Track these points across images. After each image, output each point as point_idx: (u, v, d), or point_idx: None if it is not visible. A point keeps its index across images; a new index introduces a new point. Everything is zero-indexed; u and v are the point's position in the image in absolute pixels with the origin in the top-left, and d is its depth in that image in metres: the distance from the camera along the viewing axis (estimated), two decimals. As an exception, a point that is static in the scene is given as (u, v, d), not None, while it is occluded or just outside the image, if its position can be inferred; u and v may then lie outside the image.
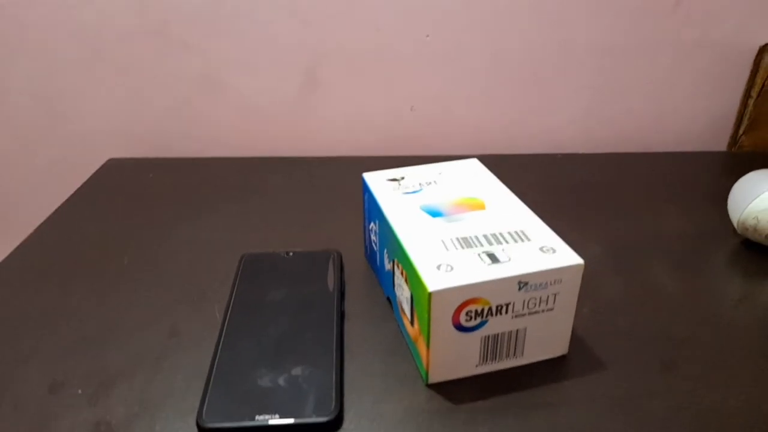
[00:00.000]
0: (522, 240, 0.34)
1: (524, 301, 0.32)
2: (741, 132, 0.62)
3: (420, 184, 0.40)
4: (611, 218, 0.50)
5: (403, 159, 0.61)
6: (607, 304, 0.40)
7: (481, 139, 0.65)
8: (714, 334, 0.37)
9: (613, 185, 0.55)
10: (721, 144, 0.66)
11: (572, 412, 0.32)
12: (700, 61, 0.61)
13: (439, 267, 0.31)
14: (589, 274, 0.43)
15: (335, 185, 0.56)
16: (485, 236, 0.34)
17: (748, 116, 0.62)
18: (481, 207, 0.37)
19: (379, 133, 0.65)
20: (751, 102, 0.61)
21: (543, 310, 0.33)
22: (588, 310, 0.39)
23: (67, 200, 0.54)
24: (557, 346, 0.35)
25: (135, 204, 0.54)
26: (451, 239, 0.34)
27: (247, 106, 0.64)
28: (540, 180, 0.57)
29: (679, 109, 0.64)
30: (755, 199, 0.43)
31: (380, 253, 0.40)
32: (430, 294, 0.30)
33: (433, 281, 0.30)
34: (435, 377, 0.33)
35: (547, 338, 0.34)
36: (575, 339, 0.37)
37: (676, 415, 0.31)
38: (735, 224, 0.45)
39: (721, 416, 0.31)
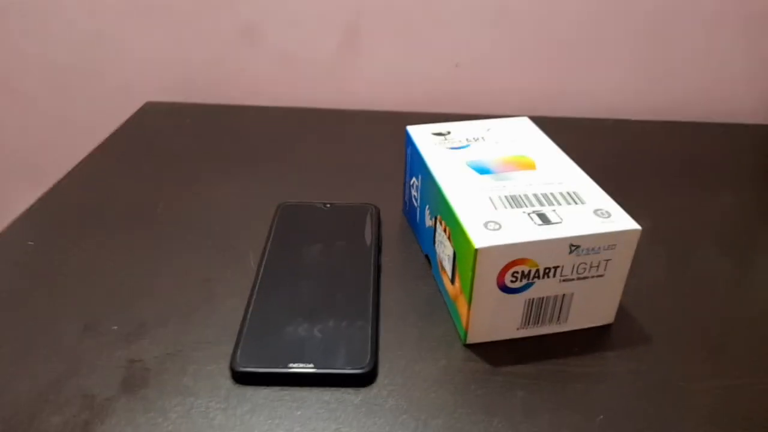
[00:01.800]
0: (575, 202, 0.32)
1: (574, 266, 0.30)
2: (807, 106, 0.59)
3: (467, 140, 0.38)
4: (660, 191, 0.47)
5: (447, 116, 0.58)
6: (655, 279, 0.38)
7: (528, 99, 0.63)
8: (761, 319, 0.35)
9: (662, 156, 0.53)
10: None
11: (613, 386, 0.30)
12: (762, 32, 0.57)
13: (486, 224, 0.30)
14: (637, 247, 0.40)
15: (375, 139, 0.55)
16: (536, 196, 0.32)
17: (816, 90, 0.58)
18: (532, 166, 0.35)
19: (422, 89, 0.63)
20: (820, 74, 0.57)
21: (593, 276, 0.31)
22: (636, 282, 0.37)
23: (102, 143, 0.54)
24: (603, 315, 0.33)
25: (170, 150, 0.53)
26: (499, 197, 0.32)
27: (288, 58, 0.62)
28: (587, 145, 0.54)
29: (736, 80, 0.60)
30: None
31: (421, 209, 0.38)
32: (476, 251, 0.28)
33: (480, 238, 0.29)
34: (474, 338, 0.32)
35: (593, 306, 0.32)
36: (621, 310, 0.35)
37: (722, 400, 0.30)
38: (798, 201, 0.42)
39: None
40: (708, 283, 0.37)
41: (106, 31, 0.62)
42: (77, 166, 0.50)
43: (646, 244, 0.41)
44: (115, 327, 0.33)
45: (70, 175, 0.48)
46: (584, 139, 0.55)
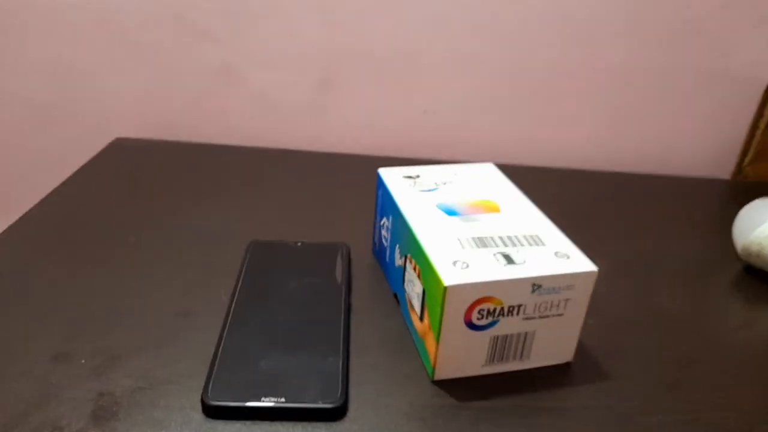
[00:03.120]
0: (537, 244, 0.34)
1: (536, 304, 0.32)
2: (746, 162, 0.63)
3: (436, 183, 0.40)
4: (618, 236, 0.50)
5: (417, 161, 0.61)
6: (612, 318, 0.40)
7: (495, 148, 0.66)
8: (715, 357, 0.37)
9: (621, 204, 0.56)
10: (725, 172, 0.66)
11: (574, 421, 0.32)
12: (715, 89, 0.62)
13: (455, 263, 0.32)
14: (595, 288, 0.43)
15: (347, 181, 0.56)
16: (500, 238, 0.34)
17: (754, 147, 0.63)
18: (496, 209, 0.37)
19: (393, 135, 0.65)
20: (758, 133, 0.62)
21: (553, 315, 0.33)
22: (593, 323, 0.39)
23: (71, 177, 0.54)
24: (563, 353, 0.35)
25: (141, 185, 0.53)
26: (467, 238, 0.34)
27: (263, 100, 0.64)
28: (551, 192, 0.57)
29: (690, 134, 0.65)
30: (760, 226, 0.44)
31: (391, 248, 0.40)
32: (445, 288, 0.30)
33: (450, 276, 0.30)
34: (442, 374, 0.33)
35: (554, 344, 0.34)
36: (580, 349, 0.37)
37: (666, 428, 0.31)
38: (739, 250, 0.46)
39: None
40: (662, 324, 0.40)
41: (80, 66, 0.62)
42: (47, 197, 0.50)
43: (604, 285, 0.43)
44: (83, 360, 0.33)
45: (40, 206, 0.48)
46: (548, 186, 0.58)
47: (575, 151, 0.66)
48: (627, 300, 0.42)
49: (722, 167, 0.66)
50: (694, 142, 0.65)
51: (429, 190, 0.39)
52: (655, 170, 0.66)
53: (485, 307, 0.31)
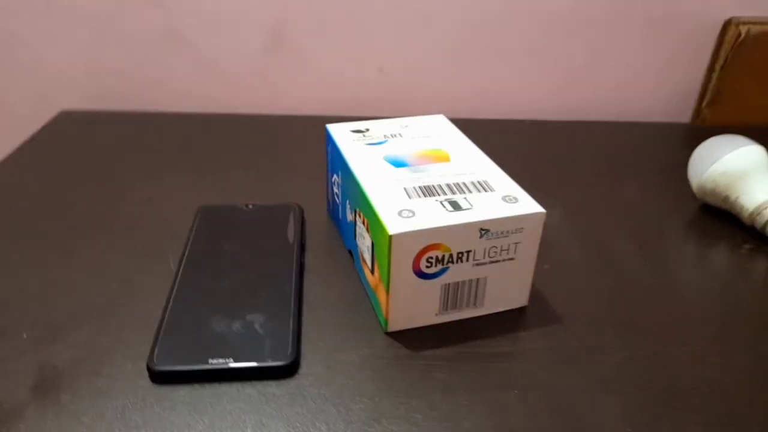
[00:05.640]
0: (485, 190, 0.33)
1: (485, 249, 0.32)
2: (704, 105, 0.63)
3: (384, 136, 0.40)
4: (572, 183, 0.50)
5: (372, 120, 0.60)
6: (567, 263, 0.40)
7: (449, 104, 0.65)
8: (668, 296, 0.37)
9: (577, 153, 0.56)
10: (684, 116, 0.66)
11: (527, 363, 0.32)
12: (668, 34, 0.62)
13: (400, 213, 0.31)
14: (549, 235, 0.43)
15: (298, 143, 0.55)
16: (448, 185, 0.34)
17: (711, 90, 0.63)
18: (446, 159, 0.37)
19: (345, 94, 0.64)
20: (714, 76, 0.62)
21: (504, 260, 0.32)
22: (548, 268, 0.39)
23: (15, 151, 0.52)
24: (517, 298, 0.35)
25: (87, 157, 0.52)
26: (413, 188, 0.33)
27: (210, 63, 0.62)
28: (505, 144, 0.56)
29: (646, 81, 0.64)
30: (714, 162, 0.44)
31: (342, 205, 0.39)
32: (390, 237, 0.29)
33: (394, 225, 0.30)
34: (394, 325, 0.33)
35: (507, 289, 0.34)
36: (535, 293, 0.37)
37: (627, 368, 0.31)
38: (694, 188, 0.46)
39: (671, 369, 0.31)
40: (616, 266, 0.40)
41: (20, 35, 0.60)
42: (-13, 175, 0.48)
43: (558, 229, 0.43)
44: (25, 335, 0.32)
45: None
46: (503, 139, 0.58)
47: (530, 103, 0.65)
48: (581, 244, 0.42)
49: (681, 112, 0.66)
50: (651, 87, 0.65)
51: (377, 143, 0.39)
52: (613, 119, 0.66)
53: (433, 255, 0.31)
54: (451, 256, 0.31)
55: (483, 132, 0.58)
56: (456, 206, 0.32)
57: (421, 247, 0.30)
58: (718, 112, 0.63)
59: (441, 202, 0.32)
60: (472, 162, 0.36)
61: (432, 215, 0.31)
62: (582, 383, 0.30)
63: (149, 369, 0.29)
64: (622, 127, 0.61)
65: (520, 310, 0.35)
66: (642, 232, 0.44)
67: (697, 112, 0.65)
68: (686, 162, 0.54)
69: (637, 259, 0.40)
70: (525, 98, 0.65)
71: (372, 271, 0.34)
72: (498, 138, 0.58)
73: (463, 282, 0.32)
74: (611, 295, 0.37)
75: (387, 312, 0.32)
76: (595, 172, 0.52)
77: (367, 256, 0.34)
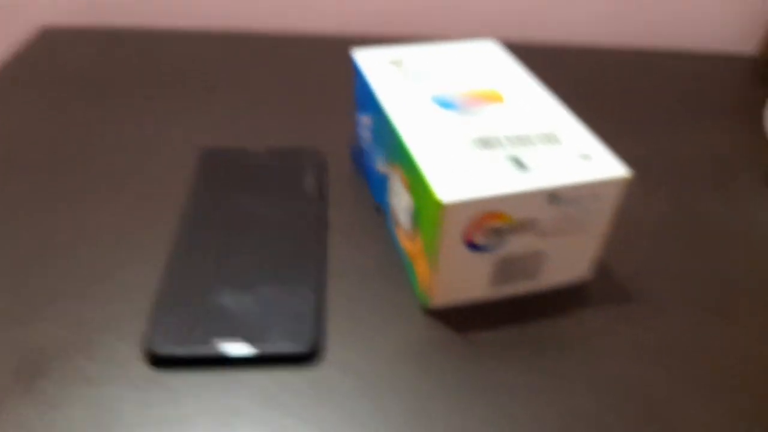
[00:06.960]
0: (552, 142, 0.27)
1: (552, 219, 0.26)
2: (776, 33, 0.55)
3: (425, 68, 0.33)
4: (632, 127, 0.44)
5: (401, 39, 0.52)
6: (635, 227, 0.34)
7: (493, 23, 0.57)
8: (761, 277, 0.32)
9: (634, 87, 0.49)
10: (751, 46, 0.58)
11: (590, 352, 0.27)
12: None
13: (453, 173, 0.25)
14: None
15: (319, 69, 0.48)
16: (507, 137, 0.27)
17: (786, 15, 0.54)
18: (499, 99, 0.30)
19: (372, 6, 0.56)
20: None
21: (573, 230, 0.27)
22: (615, 232, 0.34)
23: (-7, 73, 0.45)
24: (579, 269, 0.29)
25: (73, 83, 0.45)
26: (466, 138, 0.27)
27: (212, -30, 0.53)
28: (559, 75, 0.49)
29: (709, 6, 0.56)
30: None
31: (373, 152, 0.33)
32: (443, 206, 0.24)
33: (447, 191, 0.24)
34: (437, 302, 0.28)
35: (570, 260, 0.28)
36: (599, 263, 0.31)
37: (705, 361, 0.27)
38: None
39: (760, 366, 0.27)
40: (695, 233, 0.34)
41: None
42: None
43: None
44: (3, 306, 0.27)
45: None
46: (555, 68, 0.50)
47: (585, 26, 0.57)
48: (650, 206, 0.36)
49: (748, 41, 0.58)
50: (716, 12, 0.56)
51: (417, 78, 0.32)
52: (673, 45, 0.58)
53: (490, 225, 0.25)
54: (511, 226, 0.25)
55: (530, 58, 0.51)
56: (520, 165, 0.26)
57: (477, 216, 0.25)
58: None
59: (502, 159, 0.26)
60: (533, 104, 0.30)
61: (492, 177, 0.25)
62: (666, 378, 0.26)
63: (146, 351, 0.25)
64: (683, 58, 0.54)
65: (582, 285, 0.30)
66: (718, 190, 0.38)
67: (767, 41, 0.57)
68: (756, 101, 0.47)
69: (716, 225, 0.35)
70: (578, 19, 0.57)
71: (411, 238, 0.28)
72: (549, 66, 0.50)
73: (521, 255, 0.27)
74: (688, 270, 0.32)
75: (430, 287, 0.27)
76: (655, 111, 0.45)
77: (405, 220, 0.28)
